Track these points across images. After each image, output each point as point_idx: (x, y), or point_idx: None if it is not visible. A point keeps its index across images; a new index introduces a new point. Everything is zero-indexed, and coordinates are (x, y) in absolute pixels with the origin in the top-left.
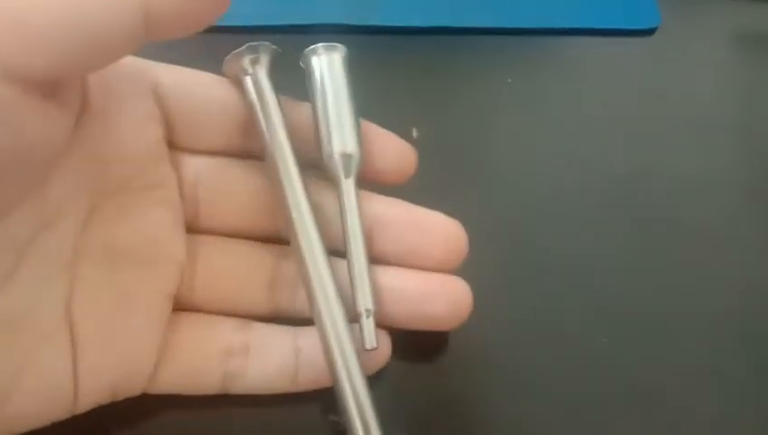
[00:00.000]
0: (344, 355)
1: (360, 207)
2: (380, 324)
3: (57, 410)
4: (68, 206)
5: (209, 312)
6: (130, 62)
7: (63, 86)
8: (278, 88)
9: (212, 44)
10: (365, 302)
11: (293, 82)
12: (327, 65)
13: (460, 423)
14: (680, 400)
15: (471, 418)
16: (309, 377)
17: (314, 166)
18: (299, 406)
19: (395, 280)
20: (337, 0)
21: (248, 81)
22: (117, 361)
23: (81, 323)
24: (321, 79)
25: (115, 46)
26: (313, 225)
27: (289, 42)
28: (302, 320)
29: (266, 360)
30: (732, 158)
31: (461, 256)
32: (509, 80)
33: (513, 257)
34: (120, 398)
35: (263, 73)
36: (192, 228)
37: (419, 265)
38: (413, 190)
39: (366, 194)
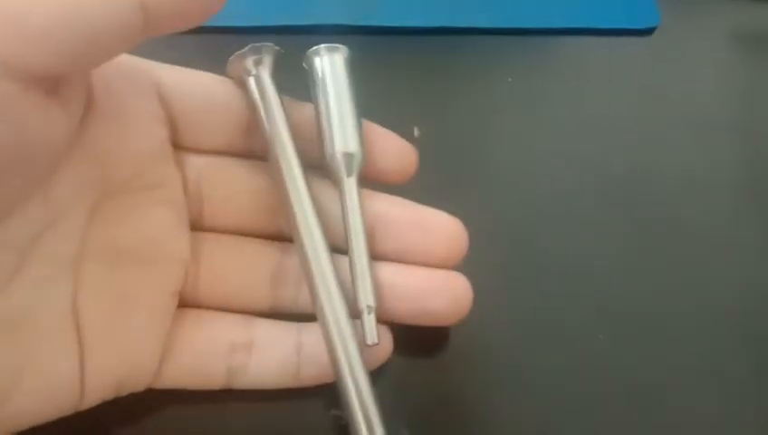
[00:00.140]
0: (347, 351)
1: (361, 206)
2: (382, 320)
3: (62, 407)
4: (72, 205)
5: (213, 308)
6: (134, 63)
7: (66, 84)
8: (281, 88)
9: (214, 45)
10: (366, 298)
11: (296, 82)
12: (329, 66)
13: (461, 420)
14: (680, 399)
15: (471, 414)
16: (311, 373)
17: (317, 165)
18: (301, 401)
19: (396, 276)
20: (338, 1)
21: (251, 81)
22: (122, 358)
23: (86, 321)
24: (324, 79)
25: (114, 42)
26: (316, 223)
27: (290, 42)
28: (305, 316)
29: (269, 355)
30: (732, 157)
31: (462, 254)
32: (509, 79)
33: (513, 257)
34: (125, 393)
35: (266, 74)
36: (196, 227)
37: (421, 263)
38: (414, 190)
39: (368, 193)
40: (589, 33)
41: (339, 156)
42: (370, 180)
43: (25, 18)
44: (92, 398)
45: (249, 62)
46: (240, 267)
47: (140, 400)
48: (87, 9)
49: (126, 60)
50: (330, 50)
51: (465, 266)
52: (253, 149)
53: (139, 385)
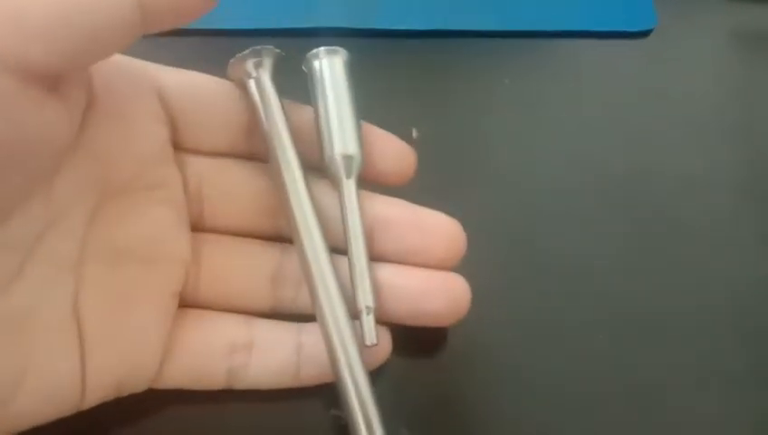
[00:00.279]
0: (346, 351)
1: (360, 208)
2: (381, 321)
3: (63, 407)
4: (73, 205)
5: (214, 309)
6: (135, 64)
7: (65, 83)
8: (281, 91)
9: (215, 48)
10: (365, 299)
11: (296, 84)
12: (329, 68)
13: (460, 420)
14: (680, 399)
15: (471, 414)
16: (311, 373)
17: (316, 167)
18: (301, 402)
19: (395, 277)
20: (338, 3)
21: (252, 84)
22: (123, 358)
23: (87, 321)
24: (323, 82)
25: (112, 39)
26: (316, 224)
27: (290, 45)
28: (305, 316)
29: (270, 355)
30: (731, 157)
31: (460, 255)
32: (506, 81)
33: (513, 257)
34: (126, 394)
35: (266, 77)
36: (196, 227)
37: (420, 264)
38: (413, 190)
39: (367, 194)
40: (586, 36)
41: (338, 158)
42: (369, 182)
43: (25, 15)
44: (93, 398)
45: (249, 64)
46: (240, 268)
47: (141, 400)
48: (86, 6)
49: (127, 61)
50: (329, 52)
51: (465, 267)
52: (253, 150)
53: (139, 386)
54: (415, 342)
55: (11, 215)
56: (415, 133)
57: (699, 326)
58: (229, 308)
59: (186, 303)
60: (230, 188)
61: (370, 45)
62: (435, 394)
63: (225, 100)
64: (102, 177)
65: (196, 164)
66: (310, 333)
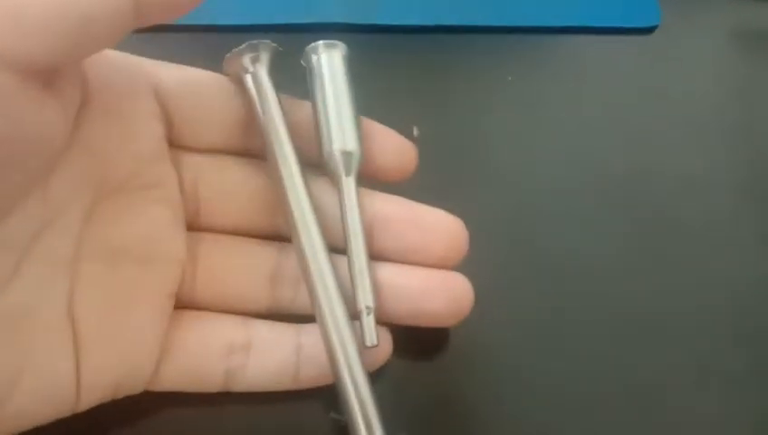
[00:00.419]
0: (346, 351)
1: (360, 205)
2: (381, 321)
3: (59, 408)
4: (69, 204)
5: (211, 309)
6: (131, 61)
7: (60, 78)
8: (279, 87)
9: (213, 44)
10: (365, 299)
11: (294, 81)
12: (327, 63)
13: (461, 420)
14: (680, 399)
15: (471, 415)
16: (310, 374)
17: (315, 164)
18: (300, 404)
19: (395, 277)
20: None
21: (249, 79)
22: (119, 359)
23: (83, 321)
24: (321, 76)
25: (106, 32)
26: (315, 222)
27: (289, 41)
28: (303, 317)
29: (268, 357)
30: (731, 157)
31: (461, 253)
32: (509, 78)
33: (513, 257)
34: (122, 395)
35: (263, 71)
36: (193, 226)
37: (420, 262)
38: (413, 189)
39: (366, 191)
40: (589, 32)
41: (337, 154)
42: (369, 178)
43: (23, 11)
44: (89, 399)
45: (246, 59)
46: (238, 268)
47: (137, 402)
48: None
49: (122, 58)
50: (328, 46)
51: (465, 266)
52: (250, 146)
53: (136, 387)
54: (415, 342)
55: (9, 214)
56: (416, 132)
57: (699, 326)
58: (227, 308)
59: (182, 303)
60: (227, 186)
61: (371, 41)
62: (435, 395)
63: (222, 96)
64: (98, 175)
65: (193, 162)
66: (309, 334)
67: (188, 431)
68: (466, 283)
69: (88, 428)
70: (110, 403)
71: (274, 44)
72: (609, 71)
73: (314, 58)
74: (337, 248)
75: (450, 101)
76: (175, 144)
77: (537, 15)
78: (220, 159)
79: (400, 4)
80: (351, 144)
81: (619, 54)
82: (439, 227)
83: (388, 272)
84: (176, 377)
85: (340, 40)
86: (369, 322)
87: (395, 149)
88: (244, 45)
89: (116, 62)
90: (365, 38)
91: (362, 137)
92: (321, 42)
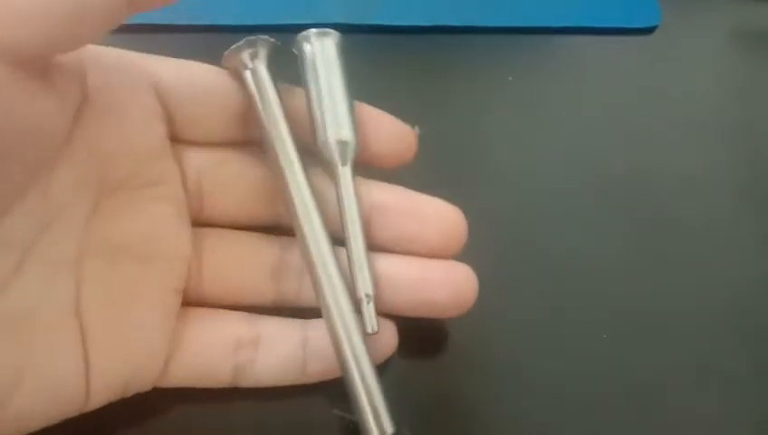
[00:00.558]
0: (351, 341)
1: (357, 194)
2: (386, 313)
3: (66, 408)
4: (71, 203)
5: (218, 304)
6: (130, 58)
7: (57, 71)
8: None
9: (212, 44)
10: (365, 287)
11: (295, 78)
12: (320, 51)
13: (460, 420)
14: (680, 399)
15: (471, 414)
16: (318, 368)
17: (315, 154)
18: (307, 399)
19: (398, 267)
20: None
21: (248, 75)
22: (127, 357)
23: (89, 320)
24: (314, 65)
25: (99, 19)
26: (318, 218)
27: (290, 41)
28: (308, 310)
29: (276, 352)
30: (731, 157)
31: (460, 242)
32: (510, 78)
33: (513, 257)
34: (131, 394)
35: (262, 67)
36: (197, 221)
37: (417, 251)
38: (414, 188)
39: (364, 180)
40: (590, 32)
41: (332, 143)
42: (365, 165)
43: (12, 0)
44: (98, 399)
45: (245, 55)
46: (243, 262)
47: (145, 398)
48: None
49: (122, 55)
50: (320, 35)
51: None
52: (251, 137)
53: (145, 385)
54: (415, 342)
55: (9, 210)
56: (418, 131)
57: (699, 326)
58: (233, 303)
59: (190, 299)
60: (229, 178)
61: (371, 42)
62: (435, 394)
63: (223, 88)
64: (100, 174)
65: (195, 157)
66: (315, 328)
67: (195, 428)
68: (470, 273)
69: (95, 424)
70: (118, 400)
71: (272, 39)
72: (610, 71)
73: (306, 47)
74: (340, 238)
75: (450, 102)
76: (177, 139)
77: (537, 16)
78: (222, 152)
79: (400, 4)
80: (346, 133)
81: (620, 54)
82: (436, 216)
83: (391, 263)
84: (184, 374)
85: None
86: (369, 309)
87: (392, 134)
88: (242, 41)
89: (115, 59)
90: (365, 38)
91: (357, 124)
92: (313, 30)
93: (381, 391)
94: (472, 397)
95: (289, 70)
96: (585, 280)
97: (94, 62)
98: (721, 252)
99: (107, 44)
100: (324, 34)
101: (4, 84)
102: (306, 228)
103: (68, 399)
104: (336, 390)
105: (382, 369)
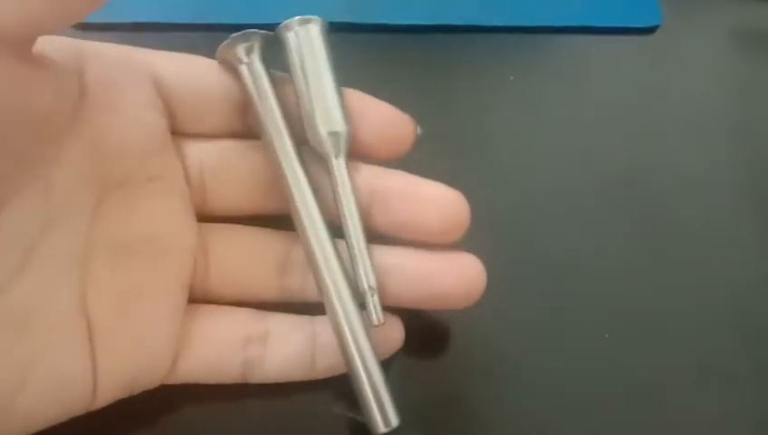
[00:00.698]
0: (354, 334)
1: (353, 184)
2: (392, 305)
3: (73, 406)
4: (74, 201)
5: (225, 299)
6: (128, 52)
7: (50, 64)
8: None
9: (212, 44)
10: (368, 279)
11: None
12: (304, 40)
13: (460, 421)
14: (680, 399)
15: (471, 414)
16: (327, 363)
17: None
18: (315, 397)
19: (404, 259)
20: None
21: (244, 69)
22: (135, 354)
23: (96, 317)
24: (300, 56)
25: None
26: (317, 212)
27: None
28: (314, 305)
29: (285, 347)
30: (732, 157)
31: (462, 228)
32: (511, 78)
33: (513, 256)
34: (139, 391)
35: (257, 61)
36: (201, 215)
37: (416, 237)
38: None
39: (363, 165)
40: (590, 32)
41: (324, 136)
42: (358, 156)
43: None
44: (105, 397)
45: (240, 49)
46: (248, 256)
47: (153, 394)
48: None
49: (120, 51)
50: (303, 22)
51: None
52: (251, 128)
53: (153, 382)
54: (415, 342)
55: (7, 203)
56: (419, 130)
57: (699, 326)
58: (240, 298)
59: (197, 294)
60: (233, 170)
61: (372, 41)
62: (435, 394)
63: (220, 80)
64: (102, 169)
65: (197, 150)
66: (323, 323)
67: (204, 424)
68: (478, 263)
69: (101, 422)
70: (123, 399)
71: (263, 31)
72: (610, 71)
73: (289, 36)
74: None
75: (452, 101)
76: (177, 132)
77: (538, 15)
78: (223, 144)
79: (402, 3)
80: (338, 124)
81: (620, 54)
82: (435, 200)
83: (396, 255)
84: (193, 370)
85: (341, 39)
86: (373, 301)
87: (385, 122)
88: (237, 35)
89: (115, 54)
90: (366, 37)
91: (349, 113)
92: (295, 18)
93: (386, 384)
94: (472, 397)
95: (285, 63)
96: (585, 280)
97: (93, 57)
98: (721, 252)
99: (107, 42)
100: (307, 21)
101: None
102: (306, 223)
103: (75, 397)
104: (343, 386)
105: (383, 368)
